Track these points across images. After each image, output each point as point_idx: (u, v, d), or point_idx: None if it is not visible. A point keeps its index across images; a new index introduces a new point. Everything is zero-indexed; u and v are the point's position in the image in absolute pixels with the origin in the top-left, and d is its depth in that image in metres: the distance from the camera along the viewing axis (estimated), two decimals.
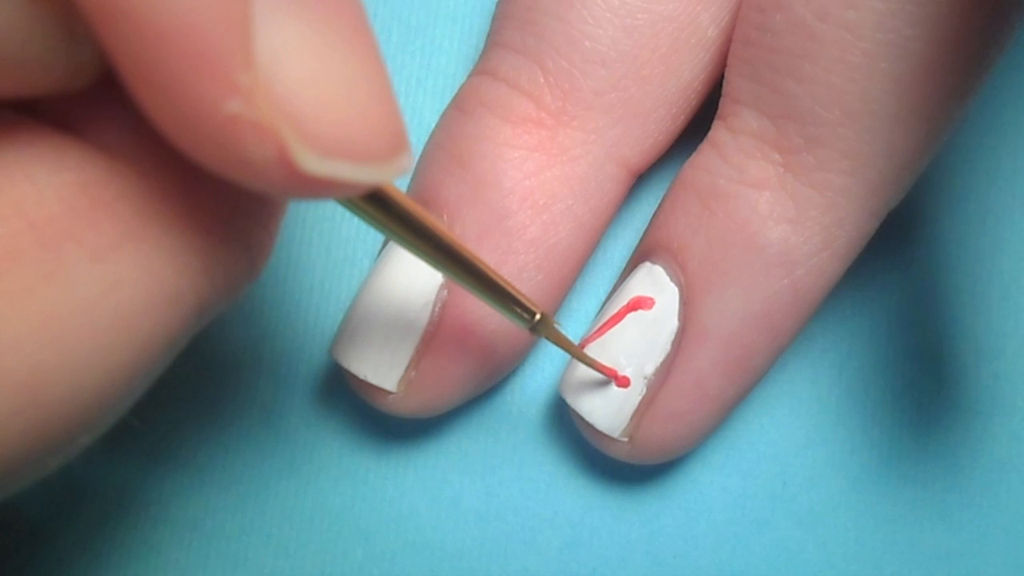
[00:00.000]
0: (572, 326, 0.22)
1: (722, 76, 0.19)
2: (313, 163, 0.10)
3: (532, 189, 0.19)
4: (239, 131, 0.10)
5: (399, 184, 0.20)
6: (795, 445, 0.23)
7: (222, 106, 0.10)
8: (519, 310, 0.17)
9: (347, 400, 0.22)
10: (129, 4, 0.09)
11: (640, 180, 0.21)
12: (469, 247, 0.16)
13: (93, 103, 0.12)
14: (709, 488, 0.23)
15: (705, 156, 0.19)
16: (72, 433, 0.11)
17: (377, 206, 0.13)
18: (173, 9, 0.09)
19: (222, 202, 0.12)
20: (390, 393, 0.20)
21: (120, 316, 0.11)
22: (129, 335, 0.11)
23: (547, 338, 0.18)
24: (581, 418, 0.20)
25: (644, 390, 0.19)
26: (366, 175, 0.11)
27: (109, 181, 0.11)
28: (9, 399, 0.10)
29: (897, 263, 0.23)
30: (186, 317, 0.12)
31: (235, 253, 0.13)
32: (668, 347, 0.19)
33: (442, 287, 0.19)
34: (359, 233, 0.23)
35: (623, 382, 0.19)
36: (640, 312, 0.20)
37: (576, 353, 0.19)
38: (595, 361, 0.19)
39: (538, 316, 0.18)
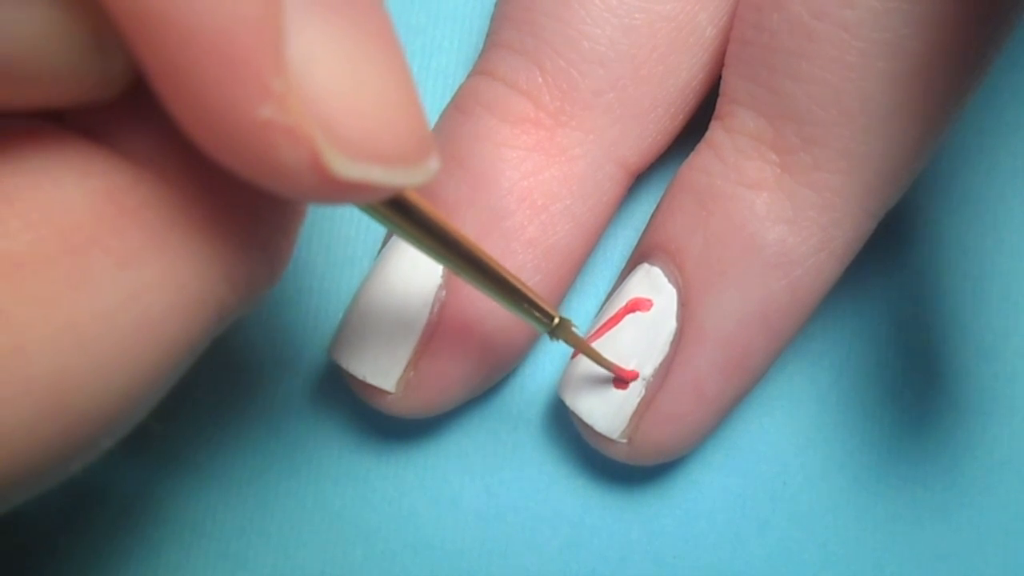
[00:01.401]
0: None
1: (720, 75, 0.19)
2: (345, 167, 0.10)
3: (530, 189, 0.19)
4: (272, 136, 0.10)
5: None
6: (795, 445, 0.23)
7: (255, 111, 0.10)
8: (538, 314, 0.17)
9: (347, 400, 0.22)
10: (162, 11, 0.09)
11: (639, 180, 0.21)
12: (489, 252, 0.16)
13: (119, 111, 0.12)
14: (709, 488, 0.23)
15: (702, 157, 0.19)
16: (95, 437, 0.11)
17: (399, 212, 0.13)
18: (206, 15, 0.09)
19: (244, 210, 0.12)
20: (389, 393, 0.20)
21: (143, 322, 0.11)
22: (152, 341, 0.11)
23: (566, 342, 0.18)
24: (580, 419, 0.20)
25: (643, 391, 0.19)
26: (396, 178, 0.11)
27: (135, 188, 0.11)
28: (35, 405, 0.10)
29: (897, 263, 0.23)
30: (207, 322, 0.12)
31: (256, 260, 0.13)
32: (666, 348, 0.19)
33: (440, 287, 0.19)
34: (359, 233, 0.23)
35: (621, 385, 0.19)
36: (638, 314, 0.20)
37: (595, 356, 0.19)
38: (614, 364, 0.19)
39: (557, 320, 0.18)
